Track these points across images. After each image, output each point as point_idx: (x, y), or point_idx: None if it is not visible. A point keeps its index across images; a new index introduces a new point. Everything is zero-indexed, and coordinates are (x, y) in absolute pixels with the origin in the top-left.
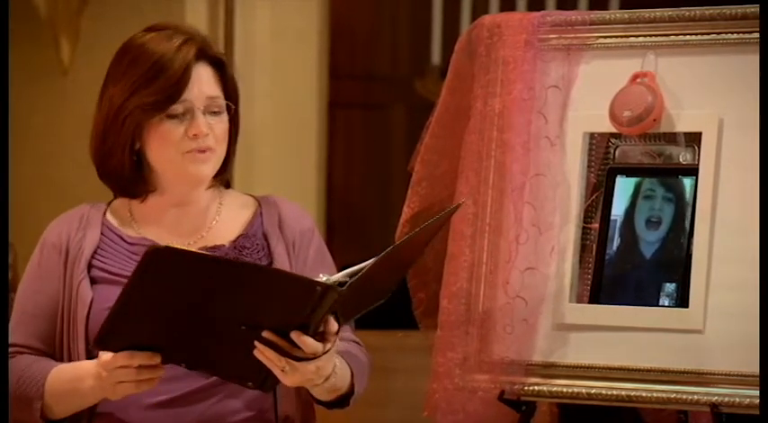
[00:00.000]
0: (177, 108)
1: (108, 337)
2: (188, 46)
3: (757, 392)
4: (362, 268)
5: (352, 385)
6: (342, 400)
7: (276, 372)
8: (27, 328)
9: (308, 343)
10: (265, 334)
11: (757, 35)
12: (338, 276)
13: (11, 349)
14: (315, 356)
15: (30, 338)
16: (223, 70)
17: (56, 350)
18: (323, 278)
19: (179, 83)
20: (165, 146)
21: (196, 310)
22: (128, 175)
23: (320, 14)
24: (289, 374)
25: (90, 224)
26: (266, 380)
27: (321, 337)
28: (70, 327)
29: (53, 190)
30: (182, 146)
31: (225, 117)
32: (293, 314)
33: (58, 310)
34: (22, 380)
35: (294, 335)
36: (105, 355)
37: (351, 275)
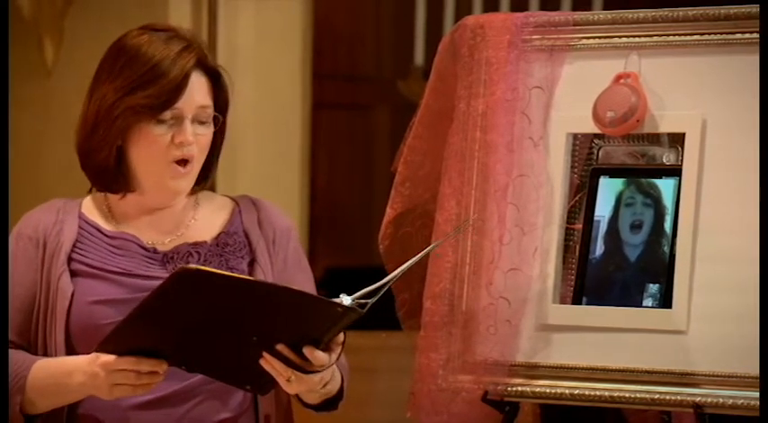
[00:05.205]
0: (167, 114)
1: (113, 342)
2: (188, 53)
3: (741, 393)
4: (380, 287)
5: (340, 389)
6: (329, 403)
7: (281, 381)
8: None
9: (319, 357)
10: (279, 348)
11: (741, 35)
12: (355, 296)
13: None
14: (322, 368)
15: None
16: (217, 81)
17: (31, 343)
18: (343, 299)
19: (177, 90)
20: (151, 151)
21: (211, 323)
22: (111, 172)
23: (303, 15)
24: (293, 384)
25: (67, 217)
26: (265, 384)
27: (326, 346)
28: (47, 320)
29: (37, 191)
30: (168, 153)
31: (211, 127)
32: (309, 331)
33: (35, 303)
34: None
35: (307, 350)
36: (106, 356)
37: (368, 295)
